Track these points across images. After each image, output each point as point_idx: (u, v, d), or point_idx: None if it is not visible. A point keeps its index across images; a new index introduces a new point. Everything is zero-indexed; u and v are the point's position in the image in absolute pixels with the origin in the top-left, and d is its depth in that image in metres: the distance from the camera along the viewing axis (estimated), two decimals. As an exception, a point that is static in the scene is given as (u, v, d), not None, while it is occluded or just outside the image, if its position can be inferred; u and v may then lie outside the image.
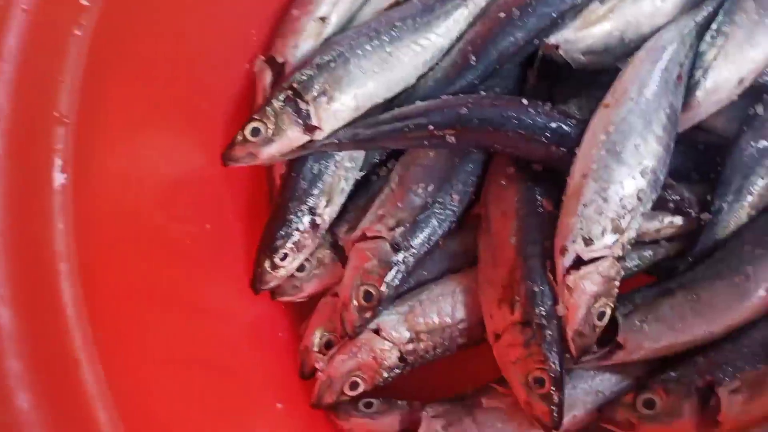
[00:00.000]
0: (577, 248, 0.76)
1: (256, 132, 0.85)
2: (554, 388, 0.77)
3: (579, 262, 0.76)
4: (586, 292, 0.76)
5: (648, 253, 0.87)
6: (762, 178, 0.82)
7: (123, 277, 0.75)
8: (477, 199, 0.91)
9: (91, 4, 0.69)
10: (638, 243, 0.86)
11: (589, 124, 0.79)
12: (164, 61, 0.85)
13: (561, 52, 0.87)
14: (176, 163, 0.91)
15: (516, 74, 0.94)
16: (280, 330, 0.98)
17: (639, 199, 0.76)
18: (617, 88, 0.79)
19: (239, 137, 0.86)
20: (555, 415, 0.77)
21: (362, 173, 0.95)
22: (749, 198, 0.83)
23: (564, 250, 0.77)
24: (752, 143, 0.81)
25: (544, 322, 0.78)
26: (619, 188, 0.76)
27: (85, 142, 0.69)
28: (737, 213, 0.83)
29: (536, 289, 0.79)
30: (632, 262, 0.87)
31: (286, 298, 0.96)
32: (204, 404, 0.80)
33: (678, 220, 0.85)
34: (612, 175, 0.76)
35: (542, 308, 0.79)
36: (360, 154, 0.94)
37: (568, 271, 0.76)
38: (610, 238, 0.76)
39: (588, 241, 0.76)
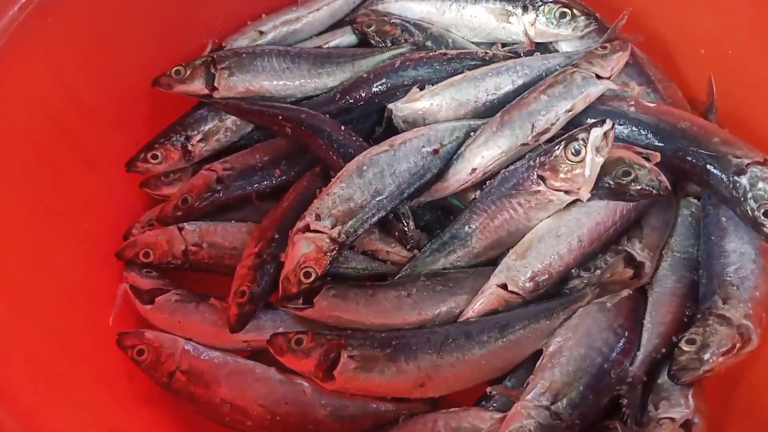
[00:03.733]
0: (309, 219, 1.08)
1: (178, 72, 1.26)
2: (249, 302, 1.07)
3: (307, 229, 1.08)
4: (301, 252, 1.07)
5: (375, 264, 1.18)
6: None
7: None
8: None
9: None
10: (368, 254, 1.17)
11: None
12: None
13: (393, 116, 1.23)
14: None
15: (369, 126, 1.29)
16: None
17: (362, 207, 1.08)
18: (394, 138, 1.14)
19: (167, 72, 1.26)
20: (238, 320, 1.06)
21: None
22: None
23: (303, 217, 1.09)
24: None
25: (268, 258, 1.10)
26: (354, 195, 1.08)
27: None
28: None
29: (277, 236, 1.11)
30: (361, 265, 1.17)
31: (147, 189, 1.33)
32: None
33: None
34: (351, 184, 1.09)
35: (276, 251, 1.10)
36: (241, 128, 1.31)
37: (296, 231, 1.08)
38: (331, 223, 1.07)
39: (318, 217, 1.07)
